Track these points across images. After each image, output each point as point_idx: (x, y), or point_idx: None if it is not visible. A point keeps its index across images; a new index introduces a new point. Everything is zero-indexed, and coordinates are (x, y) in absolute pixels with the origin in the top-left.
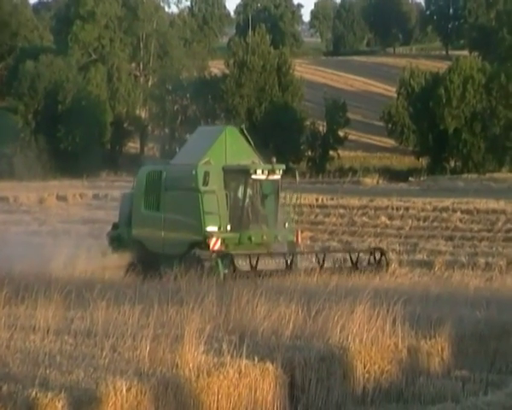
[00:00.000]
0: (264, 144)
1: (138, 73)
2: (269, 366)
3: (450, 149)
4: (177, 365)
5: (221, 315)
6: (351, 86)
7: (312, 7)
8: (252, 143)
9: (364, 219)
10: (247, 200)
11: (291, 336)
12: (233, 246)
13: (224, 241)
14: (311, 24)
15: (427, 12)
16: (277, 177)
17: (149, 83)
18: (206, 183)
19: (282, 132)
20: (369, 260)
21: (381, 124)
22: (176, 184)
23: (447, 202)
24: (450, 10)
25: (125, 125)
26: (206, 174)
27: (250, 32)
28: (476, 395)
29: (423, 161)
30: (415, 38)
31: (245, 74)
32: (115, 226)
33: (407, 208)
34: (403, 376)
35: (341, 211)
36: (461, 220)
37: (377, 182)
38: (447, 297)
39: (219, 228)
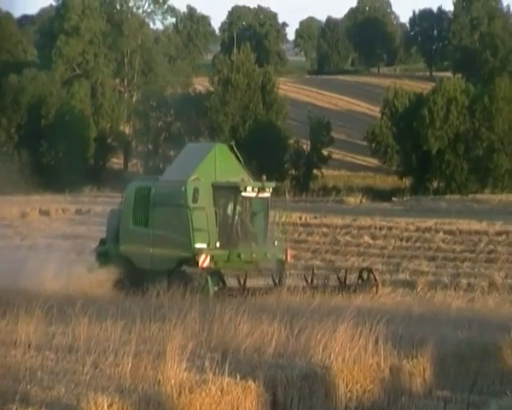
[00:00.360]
0: (248, 162)
1: (122, 89)
2: (251, 383)
3: (434, 169)
4: (159, 381)
5: (203, 332)
6: (335, 105)
7: (297, 26)
8: (241, 160)
9: (347, 238)
10: (237, 217)
11: (273, 354)
12: (222, 263)
13: (212, 258)
14: (296, 43)
15: (412, 33)
16: (267, 194)
17: (133, 99)
18: (195, 199)
19: (265, 150)
20: (358, 279)
21: (365, 143)
22: (165, 200)
23: (430, 223)
24: (435, 32)
25: (109, 140)
26: (196, 191)
27: (235, 50)
28: None
29: (406, 181)
30: (399, 58)
31: (229, 92)
32: (103, 242)
33: (390, 228)
34: (385, 395)
35: (325, 230)
36: (443, 241)
37: (360, 201)
38: (430, 317)
39: (208, 245)
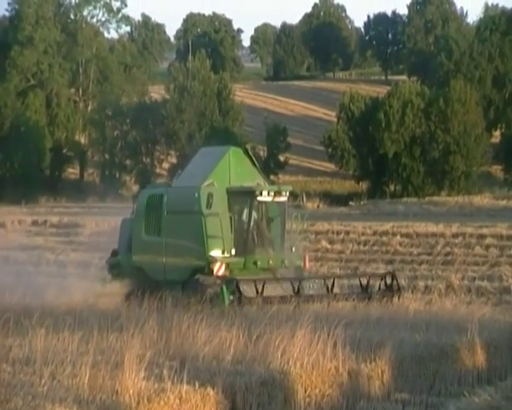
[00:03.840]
0: None
1: (78, 99)
2: (210, 391)
3: (390, 173)
4: (117, 391)
5: (162, 341)
6: (291, 111)
7: (252, 32)
8: (256, 163)
9: (305, 243)
10: (253, 223)
11: (232, 361)
12: (238, 271)
13: (228, 266)
14: (252, 49)
15: (367, 37)
16: (284, 199)
17: (89, 108)
18: (209, 205)
19: None
20: (379, 285)
21: (322, 148)
22: (178, 207)
23: (387, 226)
24: (389, 35)
25: (65, 150)
26: (210, 196)
27: (190, 57)
28: None
29: (363, 185)
30: (354, 62)
31: (185, 99)
32: (115, 253)
33: (347, 232)
34: (343, 399)
35: None
36: (400, 244)
37: (318, 206)
38: (387, 321)
39: (223, 252)
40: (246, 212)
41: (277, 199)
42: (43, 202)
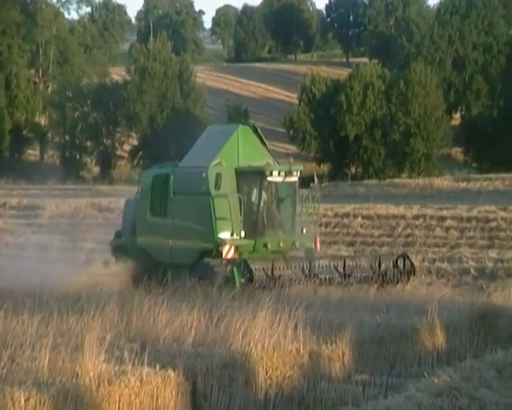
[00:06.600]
0: (166, 150)
1: (38, 80)
2: (170, 373)
3: (351, 155)
4: (78, 374)
5: (122, 323)
6: (253, 93)
7: (214, 14)
8: (266, 142)
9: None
10: (262, 204)
11: (193, 343)
12: (247, 254)
13: (237, 248)
14: (213, 31)
15: (328, 19)
16: (294, 179)
17: (49, 89)
18: (217, 186)
19: (184, 139)
20: (393, 267)
21: (283, 130)
22: (185, 188)
23: (348, 208)
24: (351, 18)
25: (25, 132)
26: (218, 177)
27: (151, 39)
28: (376, 398)
29: (325, 167)
30: (316, 45)
31: (146, 81)
32: (118, 235)
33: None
34: (304, 381)
35: None
36: (362, 226)
37: None
38: (348, 302)
39: (232, 235)
40: (255, 192)
41: (288, 179)
42: (3, 183)
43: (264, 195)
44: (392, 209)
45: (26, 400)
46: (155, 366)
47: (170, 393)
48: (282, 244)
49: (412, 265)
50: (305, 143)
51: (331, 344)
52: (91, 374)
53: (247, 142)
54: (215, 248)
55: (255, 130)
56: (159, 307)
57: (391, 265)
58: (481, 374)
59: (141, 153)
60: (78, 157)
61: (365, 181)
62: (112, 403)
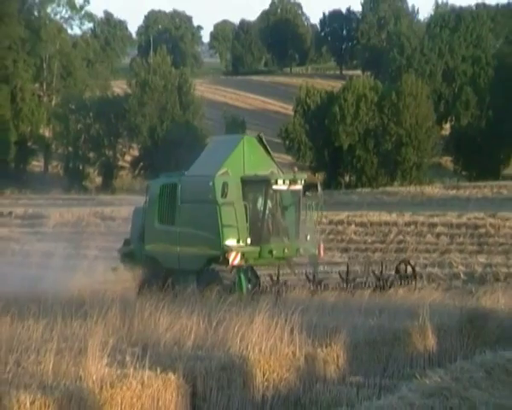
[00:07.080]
0: (166, 161)
1: (42, 93)
2: (171, 376)
3: (345, 164)
4: (81, 377)
5: (124, 328)
6: (250, 105)
7: (212, 29)
8: (271, 152)
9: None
10: (268, 212)
11: (193, 346)
12: (253, 260)
13: (243, 255)
14: (211, 45)
15: (322, 33)
16: (299, 187)
17: (53, 102)
18: (224, 194)
19: (183, 150)
20: (395, 273)
21: (279, 141)
22: (192, 196)
23: (342, 216)
24: (344, 32)
25: (29, 143)
26: (225, 185)
27: (151, 53)
28: (370, 399)
29: (319, 177)
30: (310, 58)
31: (147, 94)
32: (127, 242)
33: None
34: (300, 383)
35: None
36: (355, 233)
37: None
38: (342, 307)
39: (238, 242)
40: (260, 200)
41: (292, 187)
42: (9, 193)
43: (269, 203)
44: (385, 216)
45: (32, 402)
46: (156, 370)
47: (170, 395)
48: (286, 251)
49: (414, 270)
50: (301, 153)
51: (326, 347)
52: (94, 377)
53: (253, 151)
54: (222, 255)
55: (260, 140)
56: (159, 311)
57: (394, 270)
58: (471, 375)
59: (142, 163)
60: (81, 168)
61: (359, 189)
62: (114, 406)
